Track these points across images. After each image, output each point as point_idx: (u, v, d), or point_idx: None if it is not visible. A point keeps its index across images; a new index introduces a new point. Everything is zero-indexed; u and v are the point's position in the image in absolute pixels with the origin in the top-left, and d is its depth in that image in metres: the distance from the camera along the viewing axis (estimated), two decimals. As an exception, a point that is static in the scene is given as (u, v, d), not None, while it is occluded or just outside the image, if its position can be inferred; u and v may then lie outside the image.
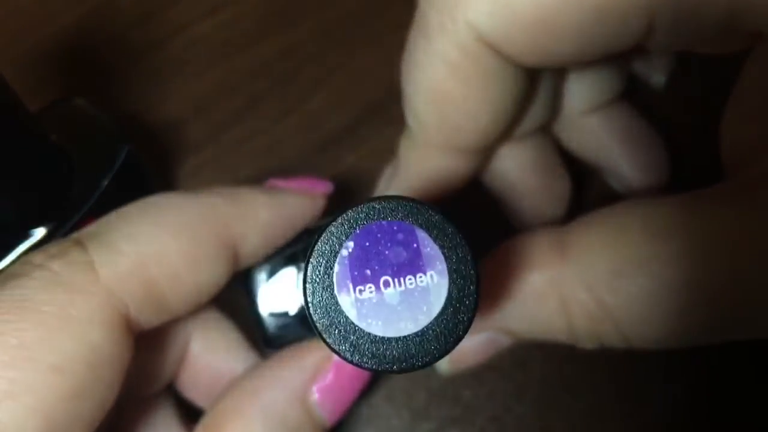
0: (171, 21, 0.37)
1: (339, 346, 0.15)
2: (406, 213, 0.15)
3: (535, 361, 0.30)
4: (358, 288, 0.15)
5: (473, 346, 0.23)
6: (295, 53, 0.36)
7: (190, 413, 0.25)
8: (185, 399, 0.26)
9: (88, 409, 0.18)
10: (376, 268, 0.15)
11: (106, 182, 0.26)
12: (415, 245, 0.15)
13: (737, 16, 0.18)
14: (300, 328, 0.25)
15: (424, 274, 0.15)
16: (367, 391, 0.30)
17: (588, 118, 0.29)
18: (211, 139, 0.34)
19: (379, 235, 0.15)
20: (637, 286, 0.19)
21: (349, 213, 0.15)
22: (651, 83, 0.32)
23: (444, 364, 0.24)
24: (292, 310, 0.25)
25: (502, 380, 0.30)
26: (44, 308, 0.17)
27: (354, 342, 0.15)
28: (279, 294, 0.25)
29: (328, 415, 0.22)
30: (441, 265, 0.15)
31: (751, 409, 0.30)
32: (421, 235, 0.15)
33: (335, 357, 0.22)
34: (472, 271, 0.15)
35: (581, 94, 0.28)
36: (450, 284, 0.15)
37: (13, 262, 0.24)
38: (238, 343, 0.25)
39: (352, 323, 0.15)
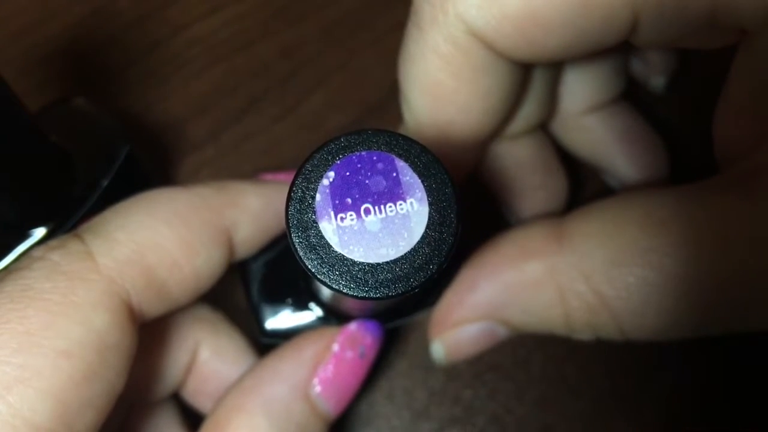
0: (171, 21, 0.37)
1: (320, 272, 0.15)
2: (385, 143, 0.15)
3: (536, 361, 0.30)
4: (339, 216, 0.15)
5: (470, 336, 0.23)
6: (295, 53, 0.36)
7: (194, 422, 0.25)
8: (189, 407, 0.26)
9: (97, 394, 0.18)
10: (357, 196, 0.15)
11: (106, 182, 0.26)
12: (394, 174, 0.15)
13: (719, 13, 0.18)
14: (297, 317, 0.25)
15: (404, 201, 0.15)
16: (367, 390, 0.30)
17: (587, 118, 0.29)
18: (211, 139, 0.34)
19: (359, 165, 0.15)
20: (634, 276, 0.19)
21: (330, 144, 0.15)
22: (650, 85, 0.32)
23: (441, 354, 0.24)
24: (289, 300, 0.25)
25: (503, 380, 0.30)
26: (47, 296, 0.18)
27: (336, 268, 0.15)
28: (275, 284, 0.25)
29: (331, 406, 0.22)
30: (420, 193, 0.15)
31: (751, 408, 0.30)
32: (401, 164, 0.15)
33: (335, 347, 0.22)
34: (452, 198, 0.15)
35: (580, 94, 0.28)
36: (430, 211, 0.15)
37: (13, 262, 0.24)
38: (247, 350, 0.25)
39: (334, 250, 0.15)
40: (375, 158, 0.15)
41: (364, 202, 0.15)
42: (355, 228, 0.15)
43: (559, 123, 0.30)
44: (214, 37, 0.37)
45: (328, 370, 0.22)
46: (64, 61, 0.36)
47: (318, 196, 0.15)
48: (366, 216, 0.15)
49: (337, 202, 0.15)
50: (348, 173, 0.15)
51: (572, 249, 0.20)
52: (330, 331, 0.22)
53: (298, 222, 0.15)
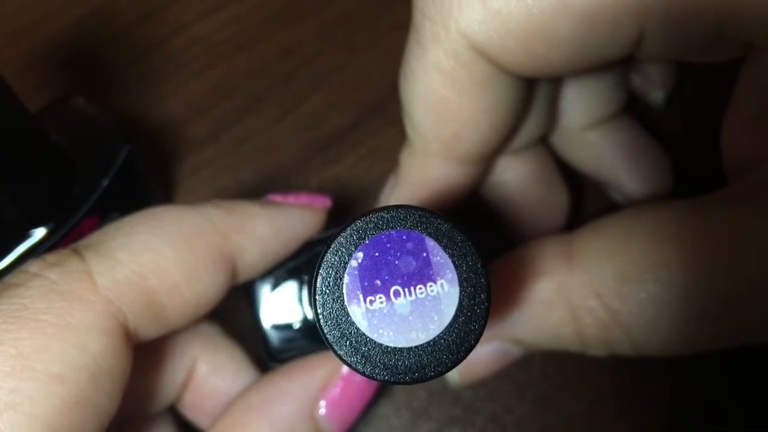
0: (171, 21, 0.37)
1: (350, 358, 0.15)
2: (415, 222, 0.15)
3: (536, 360, 0.30)
4: (368, 299, 0.15)
5: (483, 357, 0.23)
6: (295, 53, 0.36)
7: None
8: (186, 421, 0.26)
9: (89, 419, 0.17)
10: (387, 278, 0.15)
11: (106, 182, 0.26)
12: (425, 254, 0.15)
13: (725, 26, 0.18)
14: (304, 341, 0.24)
15: (435, 283, 0.15)
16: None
17: (589, 133, 0.29)
18: (211, 139, 0.34)
19: (388, 245, 0.15)
20: (645, 291, 0.19)
21: (358, 223, 0.15)
22: (650, 100, 0.32)
23: (455, 376, 0.24)
24: (296, 323, 0.25)
25: (503, 380, 0.30)
26: (42, 317, 0.17)
27: (365, 353, 0.15)
28: (282, 307, 0.25)
29: (335, 428, 0.22)
30: (451, 274, 0.15)
31: (751, 409, 0.30)
32: (431, 244, 0.15)
33: (344, 370, 0.22)
34: (482, 279, 0.15)
35: (581, 109, 0.28)
36: (461, 293, 0.15)
37: (13, 263, 0.24)
38: (246, 365, 0.25)
39: (363, 334, 0.14)
40: (404, 237, 0.15)
41: (393, 284, 0.15)
42: (385, 311, 0.15)
43: (562, 138, 0.30)
44: (214, 37, 0.37)
45: (335, 392, 0.22)
46: (64, 61, 0.36)
47: (347, 278, 0.15)
48: (396, 299, 0.15)
49: (366, 284, 0.15)
50: (377, 253, 0.15)
51: (582, 266, 0.20)
52: None
53: (326, 305, 0.15)
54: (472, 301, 0.15)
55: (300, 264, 0.24)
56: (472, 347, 0.15)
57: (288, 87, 0.35)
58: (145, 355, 0.22)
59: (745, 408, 0.30)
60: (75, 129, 0.27)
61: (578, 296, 0.20)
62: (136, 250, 0.19)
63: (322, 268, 0.15)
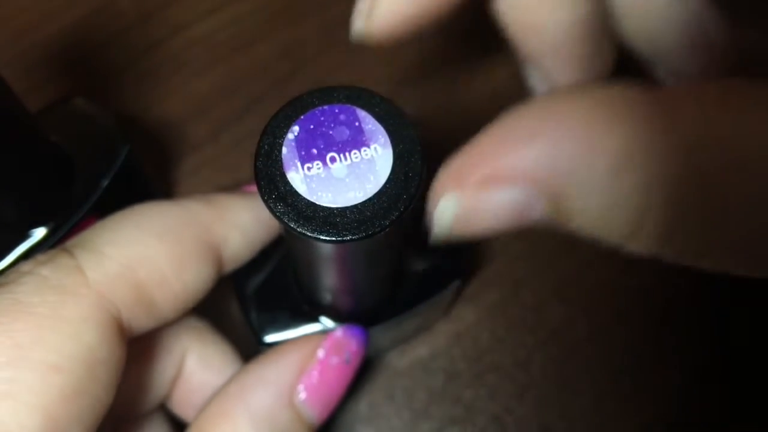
0: (171, 21, 0.37)
1: (294, 222, 0.15)
2: (345, 97, 0.16)
3: (536, 361, 0.30)
4: (306, 166, 0.15)
5: (496, 202, 0.15)
6: (295, 53, 0.36)
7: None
8: (178, 419, 0.26)
9: (86, 409, 0.18)
10: (322, 146, 0.16)
11: (106, 182, 0.26)
12: (357, 123, 0.16)
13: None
14: (295, 332, 0.25)
15: (368, 147, 0.16)
16: (367, 390, 0.30)
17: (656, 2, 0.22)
18: (211, 139, 0.34)
19: (322, 118, 0.16)
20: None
21: (293, 101, 0.16)
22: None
23: (448, 216, 0.15)
24: (286, 315, 0.25)
25: (503, 380, 0.30)
26: (36, 310, 0.17)
27: (307, 216, 0.15)
28: (269, 294, 0.25)
29: (316, 412, 0.22)
30: (383, 138, 0.16)
31: (752, 408, 0.30)
32: (362, 114, 0.16)
33: (320, 353, 0.22)
34: (414, 140, 0.16)
35: None
36: (394, 153, 0.15)
37: (13, 263, 0.24)
38: (234, 359, 0.25)
39: (303, 198, 0.15)
40: (337, 111, 0.16)
41: (329, 151, 0.16)
42: (322, 176, 0.15)
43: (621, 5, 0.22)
44: (214, 37, 0.37)
45: (313, 376, 0.21)
46: (64, 61, 0.36)
47: (284, 149, 0.16)
48: (332, 164, 0.15)
49: (303, 153, 0.16)
50: (312, 126, 0.16)
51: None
52: (315, 338, 0.22)
53: (266, 175, 0.16)
54: (406, 161, 0.15)
55: (285, 252, 0.25)
56: (409, 204, 0.15)
57: (288, 87, 0.35)
58: (137, 350, 0.22)
59: (745, 406, 0.30)
60: (75, 129, 0.27)
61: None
62: (123, 244, 0.20)
63: (261, 143, 0.16)
